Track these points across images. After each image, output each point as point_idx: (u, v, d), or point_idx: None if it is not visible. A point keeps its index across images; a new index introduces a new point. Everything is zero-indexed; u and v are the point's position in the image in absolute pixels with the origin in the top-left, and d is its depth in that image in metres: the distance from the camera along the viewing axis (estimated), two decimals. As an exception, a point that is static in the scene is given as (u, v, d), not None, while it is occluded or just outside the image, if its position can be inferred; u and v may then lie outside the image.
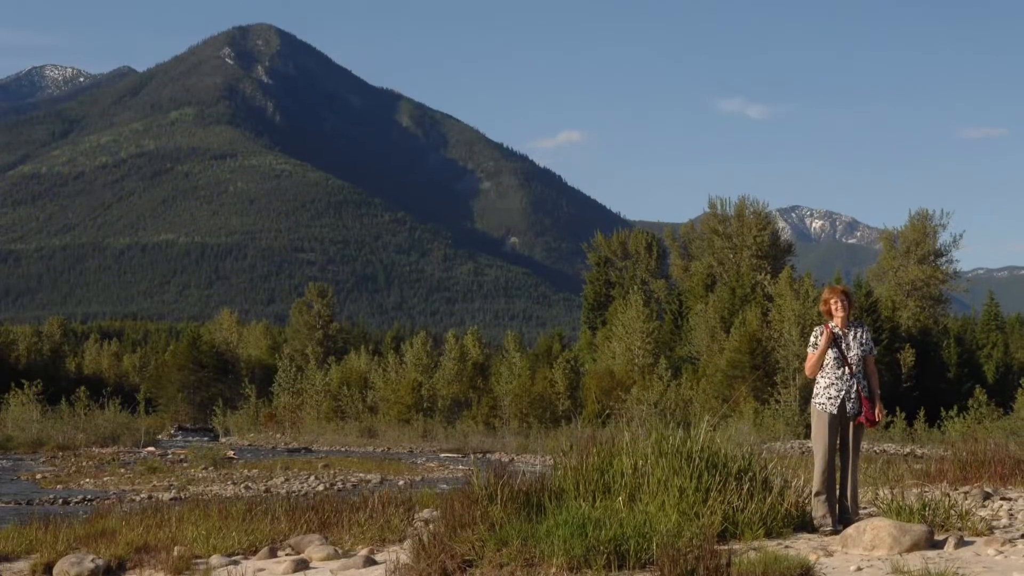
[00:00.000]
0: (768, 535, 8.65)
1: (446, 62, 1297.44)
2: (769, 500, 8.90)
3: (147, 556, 10.09)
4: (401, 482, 25.54)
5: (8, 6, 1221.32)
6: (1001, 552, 8.03)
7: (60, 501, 21.81)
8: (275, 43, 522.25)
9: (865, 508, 10.34)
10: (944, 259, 69.06)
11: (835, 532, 8.70)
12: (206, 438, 58.54)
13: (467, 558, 8.06)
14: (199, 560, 9.83)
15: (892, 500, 9.43)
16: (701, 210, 75.62)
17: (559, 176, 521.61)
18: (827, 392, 9.11)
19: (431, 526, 9.19)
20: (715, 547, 7.64)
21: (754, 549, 7.99)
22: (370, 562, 9.09)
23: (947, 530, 8.89)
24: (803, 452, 22.99)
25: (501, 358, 70.31)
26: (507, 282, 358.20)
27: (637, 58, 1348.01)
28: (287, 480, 26.69)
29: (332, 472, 30.22)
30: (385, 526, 10.66)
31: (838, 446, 9.08)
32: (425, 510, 11.90)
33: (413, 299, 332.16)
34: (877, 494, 10.74)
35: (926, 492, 10.56)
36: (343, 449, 50.69)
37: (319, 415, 66.22)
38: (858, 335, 9.23)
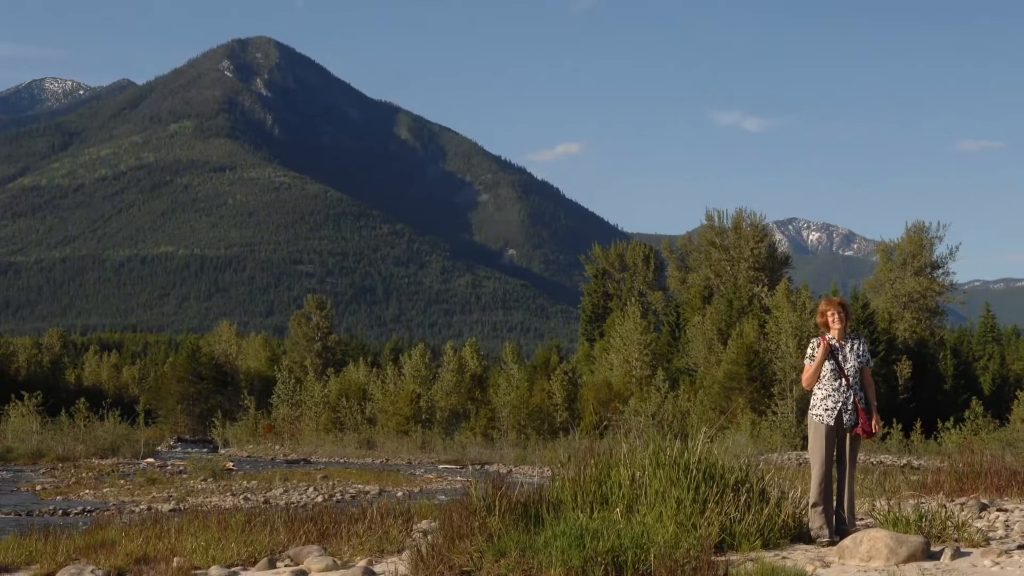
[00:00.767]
0: (765, 546, 8.68)
1: (444, 75, 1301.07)
2: (766, 511, 8.92)
3: (146, 567, 10.11)
4: (400, 493, 25.55)
5: (9, 19, 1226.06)
6: (997, 563, 8.05)
7: (60, 512, 21.81)
8: (274, 56, 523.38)
9: (862, 519, 10.39)
10: (940, 271, 69.20)
11: (832, 543, 8.72)
12: (205, 450, 58.50)
13: (465, 569, 8.08)
14: (198, 571, 9.84)
15: (889, 511, 9.47)
16: (698, 222, 75.84)
17: (557, 188, 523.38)
18: (824, 404, 9.13)
19: (429, 537, 9.21)
20: (712, 558, 7.68)
21: (751, 560, 8.02)
22: (369, 573, 9.10)
23: (943, 541, 8.92)
24: (800, 463, 23.02)
25: (499, 370, 70.33)
26: (505, 294, 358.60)
27: (635, 71, 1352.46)
28: (286, 491, 26.68)
29: (331, 483, 30.20)
30: (384, 537, 10.67)
31: (835, 458, 9.11)
32: (423, 521, 11.91)
33: (411, 311, 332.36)
34: (874, 505, 10.76)
35: (923, 503, 10.60)
36: (342, 460, 50.66)
37: (318, 427, 66.22)
38: (855, 347, 9.26)
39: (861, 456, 13.44)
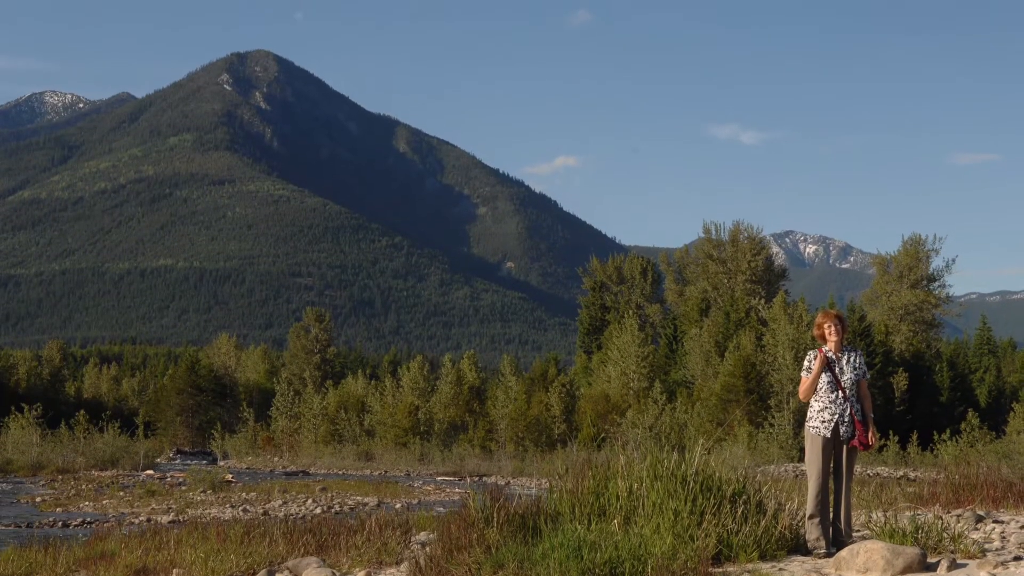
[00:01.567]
0: (762, 558, 8.69)
1: (443, 88, 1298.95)
2: (763, 523, 8.93)
3: (146, 579, 10.15)
4: (398, 505, 25.54)
5: (8, 33, 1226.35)
6: (993, 574, 8.08)
7: (60, 524, 21.82)
8: (273, 70, 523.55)
9: (858, 531, 10.41)
10: (937, 284, 69.21)
11: (829, 555, 8.73)
12: (204, 461, 58.50)
13: (464, 580, 8.11)
14: (198, 582, 9.88)
15: (885, 523, 9.49)
16: (696, 235, 75.98)
17: (555, 201, 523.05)
18: (821, 416, 9.15)
19: (428, 549, 9.25)
20: (710, 569, 7.71)
21: (748, 572, 8.06)
22: (368, 584, 9.14)
23: (940, 553, 8.94)
24: (797, 475, 23.05)
25: (497, 382, 70.36)
26: (503, 306, 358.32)
27: (632, 84, 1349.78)
28: (285, 503, 26.68)
29: (329, 495, 30.20)
30: (382, 548, 10.70)
31: (832, 469, 9.14)
32: (422, 533, 11.94)
33: (410, 323, 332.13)
34: (870, 517, 10.78)
35: (919, 515, 10.62)
36: (340, 472, 50.68)
37: (316, 439, 66.22)
38: (852, 359, 9.29)
39: (858, 468, 13.46)
